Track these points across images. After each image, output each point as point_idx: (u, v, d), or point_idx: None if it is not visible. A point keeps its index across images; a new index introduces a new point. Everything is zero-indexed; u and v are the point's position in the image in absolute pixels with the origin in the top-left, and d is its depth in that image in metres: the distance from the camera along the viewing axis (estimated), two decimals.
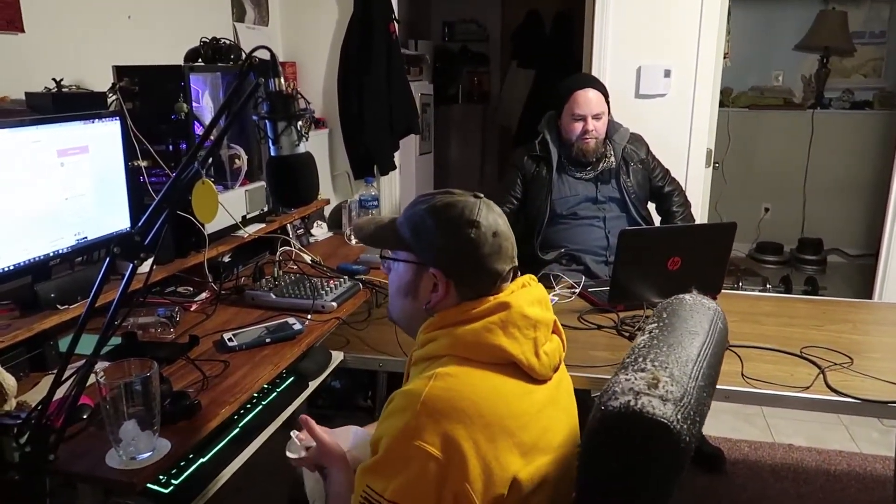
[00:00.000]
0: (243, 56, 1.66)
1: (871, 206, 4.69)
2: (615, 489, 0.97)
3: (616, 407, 0.94)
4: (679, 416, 0.92)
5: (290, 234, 2.46)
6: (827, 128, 4.90)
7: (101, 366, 1.21)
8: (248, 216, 2.20)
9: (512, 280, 1.12)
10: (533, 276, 1.15)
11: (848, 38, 4.79)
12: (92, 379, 1.17)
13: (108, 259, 1.14)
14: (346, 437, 1.23)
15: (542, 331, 1.08)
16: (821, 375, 1.68)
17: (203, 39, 2.08)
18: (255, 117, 1.20)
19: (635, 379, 0.99)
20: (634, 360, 1.07)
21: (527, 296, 1.09)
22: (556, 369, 1.12)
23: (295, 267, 2.17)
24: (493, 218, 1.09)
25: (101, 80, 1.94)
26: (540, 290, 1.13)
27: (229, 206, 2.07)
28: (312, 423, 1.22)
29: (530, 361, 1.04)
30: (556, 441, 1.06)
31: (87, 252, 1.69)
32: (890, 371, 1.70)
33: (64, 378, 1.14)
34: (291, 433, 1.24)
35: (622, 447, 0.95)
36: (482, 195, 1.13)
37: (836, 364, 1.74)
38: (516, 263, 1.12)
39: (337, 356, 1.82)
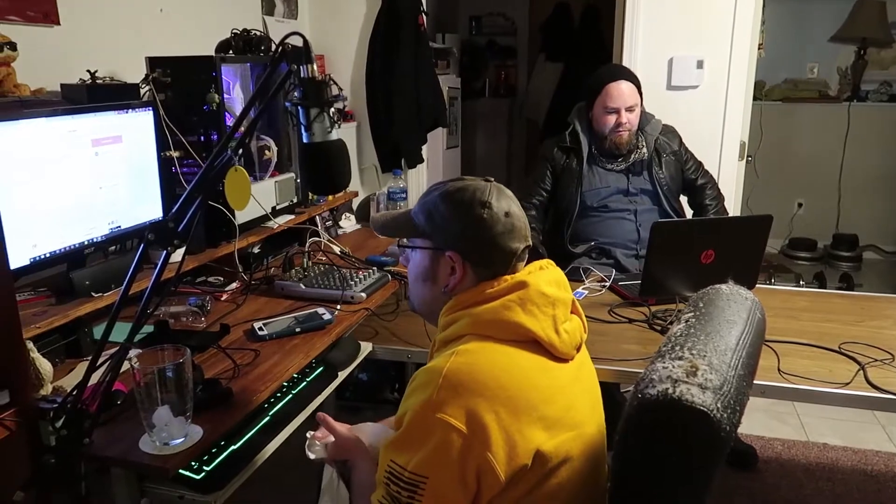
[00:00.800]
0: (273, 47, 1.66)
1: None
2: (653, 478, 0.95)
3: (654, 395, 0.92)
4: (719, 405, 0.89)
5: (319, 225, 2.47)
6: (863, 121, 4.78)
7: (134, 353, 1.21)
8: (277, 207, 2.20)
9: (527, 261, 1.13)
10: (550, 261, 1.16)
11: (887, 28, 4.67)
12: (126, 366, 1.19)
13: (142, 245, 1.14)
14: (365, 432, 1.24)
15: (560, 309, 1.08)
16: (861, 372, 1.64)
17: (234, 31, 2.09)
18: (287, 104, 1.20)
19: (673, 367, 0.97)
20: (671, 348, 1.05)
21: (545, 276, 1.10)
22: (577, 348, 1.12)
23: (324, 258, 2.17)
24: (504, 199, 1.10)
25: (134, 72, 1.95)
26: (557, 272, 1.15)
27: (259, 197, 2.08)
28: (329, 419, 1.24)
29: (550, 338, 1.05)
30: (579, 418, 1.06)
31: (120, 241, 1.71)
32: None
33: (98, 364, 1.16)
34: (308, 434, 1.26)
35: (660, 435, 0.93)
36: (493, 179, 1.14)
37: (876, 360, 1.69)
38: (530, 243, 1.13)
39: (366, 347, 1.82)
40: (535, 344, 1.05)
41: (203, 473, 1.21)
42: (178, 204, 1.15)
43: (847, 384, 1.59)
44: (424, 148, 3.28)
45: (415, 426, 0.97)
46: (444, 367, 0.98)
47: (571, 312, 1.13)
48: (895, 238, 4.81)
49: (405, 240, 1.18)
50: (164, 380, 1.18)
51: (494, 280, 1.08)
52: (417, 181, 3.34)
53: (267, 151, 2.15)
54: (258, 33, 2.08)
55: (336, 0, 3.16)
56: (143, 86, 1.90)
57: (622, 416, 1.00)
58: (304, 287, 1.88)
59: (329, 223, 2.61)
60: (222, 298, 1.90)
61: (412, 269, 1.18)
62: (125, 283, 1.14)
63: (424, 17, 3.09)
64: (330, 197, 2.51)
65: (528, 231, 1.12)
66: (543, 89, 5.66)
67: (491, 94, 6.02)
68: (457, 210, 1.10)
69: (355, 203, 3.02)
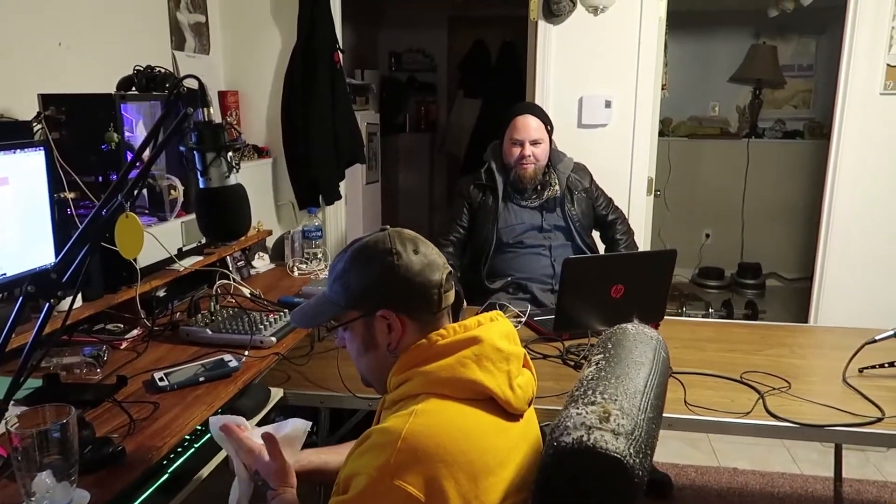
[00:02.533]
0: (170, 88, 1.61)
1: (805, 231, 4.86)
2: None
3: (569, 443, 0.92)
4: (631, 450, 0.91)
5: (230, 266, 2.39)
6: (761, 156, 5.09)
7: (14, 412, 1.12)
8: (184, 249, 2.12)
9: (451, 286, 1.11)
10: (500, 312, 1.15)
11: (778, 70, 5.02)
12: (3, 427, 1.09)
13: (20, 299, 1.07)
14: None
15: (514, 364, 1.07)
16: (760, 401, 1.71)
17: (137, 67, 2.02)
18: (182, 148, 1.16)
19: (586, 413, 0.98)
20: (584, 392, 1.06)
21: (497, 330, 1.08)
22: (529, 403, 1.10)
23: (233, 301, 2.10)
24: (407, 240, 1.10)
25: (27, 110, 1.86)
26: (507, 324, 1.13)
27: (164, 239, 2.00)
28: (277, 445, 1.18)
29: (506, 395, 1.03)
30: (530, 478, 1.04)
31: (6, 290, 1.60)
32: (826, 394, 1.74)
33: None
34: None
35: (576, 482, 0.94)
36: (388, 227, 1.13)
37: (774, 389, 1.77)
38: (449, 269, 1.12)
39: (276, 393, 1.76)
40: (489, 402, 1.03)
41: None
42: (63, 253, 1.09)
43: (748, 413, 1.65)
44: (343, 184, 3.25)
45: (370, 491, 0.93)
46: (403, 429, 0.94)
47: (523, 366, 1.11)
48: (794, 265, 5.10)
49: (333, 322, 1.14)
50: (48, 441, 1.09)
51: (441, 328, 1.06)
52: (336, 218, 3.30)
53: (172, 191, 2.07)
54: (162, 70, 2.02)
55: (250, 35, 3.12)
56: (36, 124, 1.80)
57: (539, 463, 1.00)
58: (210, 332, 1.81)
59: (241, 263, 2.54)
60: (122, 347, 1.80)
61: (351, 345, 1.14)
62: (1, 340, 1.06)
63: (340, 53, 3.09)
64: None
65: (442, 258, 1.12)
66: (463, 124, 5.76)
67: (412, 129, 6.07)
68: (368, 269, 1.08)
69: (270, 241, 2.95)
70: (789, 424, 1.61)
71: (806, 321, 3.21)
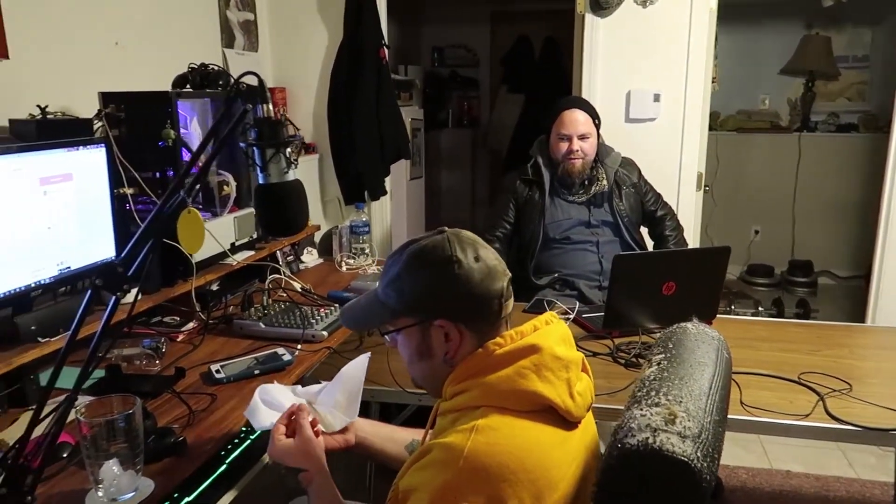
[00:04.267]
0: (231, 81, 1.64)
1: (859, 228, 4.71)
2: None
3: (633, 444, 0.89)
4: (699, 454, 0.88)
5: (280, 261, 2.42)
6: (814, 150, 4.94)
7: (83, 401, 1.16)
8: (236, 244, 2.16)
9: (510, 294, 1.08)
10: (555, 314, 1.11)
11: (832, 62, 4.86)
12: (73, 416, 1.13)
13: (88, 292, 1.10)
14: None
15: (573, 370, 1.04)
16: (820, 402, 1.65)
17: (191, 65, 2.06)
18: (242, 144, 1.18)
19: (651, 414, 0.95)
20: (647, 393, 1.03)
21: (554, 334, 1.05)
22: (588, 409, 1.08)
23: (284, 295, 2.13)
24: (467, 245, 1.05)
25: (88, 107, 1.91)
26: (563, 327, 1.09)
27: (217, 234, 2.04)
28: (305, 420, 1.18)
29: (567, 404, 1.00)
30: (590, 486, 1.00)
31: (70, 283, 1.65)
32: (889, 397, 1.67)
33: (43, 415, 1.10)
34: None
35: (641, 486, 0.91)
36: (446, 228, 1.09)
37: (835, 390, 1.71)
38: (509, 275, 1.08)
39: None
40: (550, 412, 1.00)
41: None
42: (129, 247, 1.11)
43: (807, 415, 1.60)
44: (388, 180, 3.27)
45: None
46: (465, 448, 0.92)
47: (581, 371, 1.08)
48: (848, 263, 4.94)
49: (388, 326, 1.11)
50: (113, 431, 1.13)
51: (498, 336, 1.03)
52: (381, 214, 3.32)
53: (225, 187, 2.11)
54: (216, 68, 2.06)
55: (297, 33, 3.16)
56: (97, 121, 1.85)
57: (601, 465, 0.98)
58: (263, 326, 1.84)
59: (290, 258, 2.57)
60: (178, 339, 1.84)
61: (404, 350, 1.10)
62: (71, 330, 1.09)
63: (386, 49, 3.11)
64: None
65: (503, 265, 1.07)
66: (505, 121, 5.73)
67: (454, 125, 6.07)
68: (426, 276, 1.04)
69: (317, 237, 2.98)
70: (852, 428, 1.55)
71: (861, 321, 3.11)
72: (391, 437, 1.33)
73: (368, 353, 1.32)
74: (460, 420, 0.99)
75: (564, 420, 1.02)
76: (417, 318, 1.06)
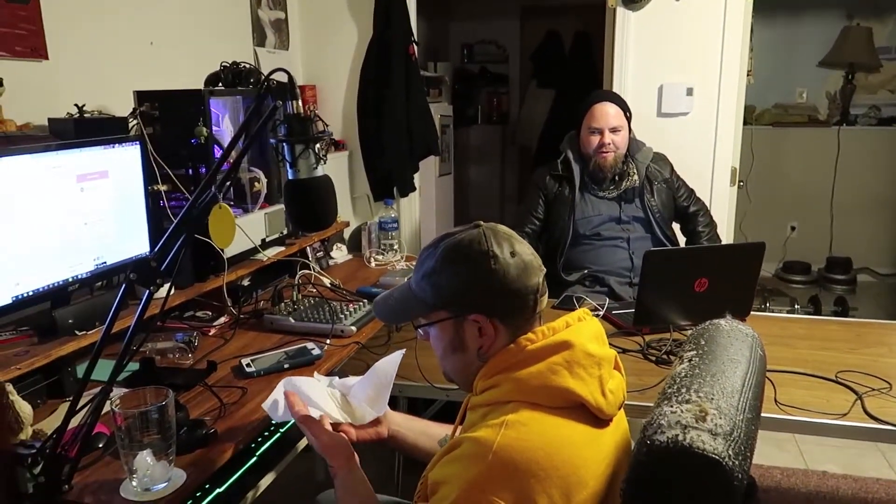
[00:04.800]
0: (262, 79, 1.66)
1: None
2: None
3: (663, 441, 0.88)
4: (731, 452, 0.86)
5: (310, 256, 2.45)
6: (853, 145, 4.82)
7: (117, 393, 1.19)
8: (267, 239, 2.18)
9: (545, 289, 1.07)
10: (587, 311, 1.10)
11: (874, 53, 4.73)
12: (108, 407, 1.16)
13: (123, 286, 1.12)
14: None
15: (605, 368, 1.03)
16: (858, 402, 1.61)
17: (223, 64, 2.09)
18: (272, 140, 1.19)
19: (681, 411, 0.93)
20: (677, 389, 1.02)
21: (586, 331, 1.04)
22: (620, 406, 1.07)
23: (314, 290, 2.15)
24: (503, 240, 1.04)
25: (123, 106, 1.95)
26: (596, 324, 1.08)
27: (248, 230, 2.06)
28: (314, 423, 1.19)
29: (598, 402, 1.00)
30: (621, 484, 1.00)
31: (106, 277, 1.69)
32: None
33: (79, 406, 1.13)
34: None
35: (670, 484, 0.89)
36: (482, 222, 1.08)
37: (874, 389, 1.67)
38: (544, 270, 1.07)
39: None
40: (581, 409, 0.99)
41: None
42: (162, 242, 1.13)
43: (844, 415, 1.57)
44: (417, 176, 3.28)
45: (461, 503, 0.91)
46: (495, 442, 0.92)
47: (614, 368, 1.07)
48: (888, 260, 4.81)
49: (421, 320, 1.11)
50: (147, 422, 1.15)
51: (531, 332, 1.02)
52: (410, 210, 3.33)
53: (256, 183, 2.14)
54: (248, 66, 2.08)
55: (327, 30, 3.18)
56: (132, 120, 1.89)
57: (630, 462, 0.97)
58: (293, 321, 1.86)
59: (320, 254, 2.59)
60: (210, 333, 1.87)
61: (437, 344, 1.10)
62: (106, 324, 1.12)
63: (415, 46, 3.11)
64: None
65: (538, 260, 1.07)
66: (535, 116, 5.69)
67: (483, 122, 6.05)
68: (462, 270, 1.03)
69: (347, 233, 3.00)
70: (891, 428, 1.51)
71: None
72: (424, 432, 1.34)
73: (403, 350, 1.32)
74: (491, 415, 0.99)
75: (596, 417, 1.01)
76: (452, 312, 1.06)
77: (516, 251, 1.04)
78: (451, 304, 1.05)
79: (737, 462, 0.86)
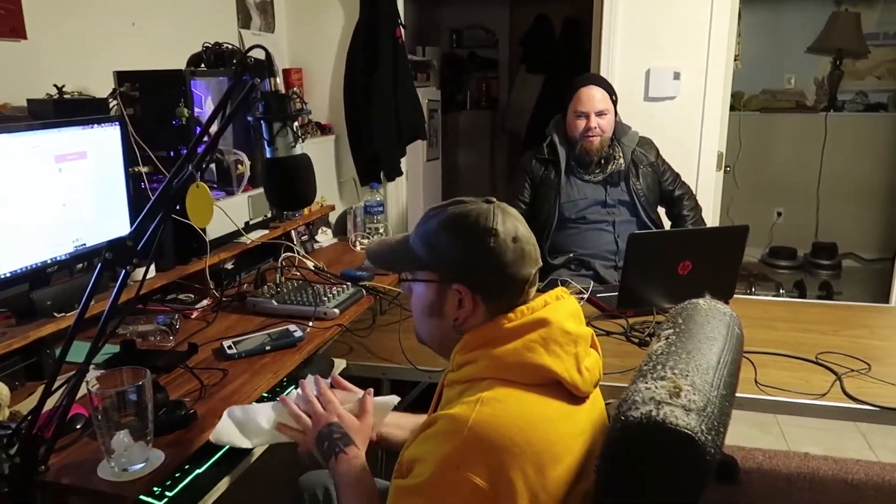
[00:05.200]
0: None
1: (887, 209, 4.61)
2: (636, 502, 0.93)
3: (637, 417, 0.89)
4: (703, 427, 0.87)
5: (295, 240, 2.43)
6: (840, 131, 4.83)
7: (93, 375, 1.18)
8: (251, 222, 2.17)
9: (536, 281, 1.07)
10: (565, 289, 1.10)
11: (861, 39, 4.73)
12: (84, 389, 1.15)
13: (99, 266, 1.11)
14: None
15: (581, 346, 1.03)
16: (837, 382, 1.63)
17: (205, 45, 2.06)
18: (250, 118, 1.18)
19: (656, 387, 0.94)
20: (653, 367, 1.02)
21: (563, 309, 1.04)
22: (596, 384, 1.07)
23: (298, 273, 2.14)
24: (510, 222, 1.03)
25: (104, 87, 1.93)
26: (574, 303, 1.09)
27: (232, 212, 2.05)
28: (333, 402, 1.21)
29: (574, 379, 1.00)
30: (595, 461, 1.01)
31: (86, 259, 1.67)
32: None
33: (55, 388, 1.12)
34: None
35: (644, 459, 0.90)
36: (494, 199, 1.07)
37: (853, 370, 1.68)
38: (541, 264, 1.07)
39: (340, 364, 1.79)
40: (556, 386, 0.99)
41: (165, 499, 1.17)
42: (138, 221, 1.12)
43: (824, 395, 1.58)
44: (404, 160, 3.27)
45: (436, 479, 0.92)
46: (470, 418, 0.92)
47: (590, 347, 1.08)
48: (874, 246, 4.84)
49: (407, 273, 1.12)
50: (124, 403, 1.14)
51: (510, 312, 1.02)
52: (397, 194, 3.32)
53: (240, 166, 2.12)
54: (230, 47, 2.06)
55: (314, 13, 3.15)
56: (112, 100, 1.87)
57: (604, 438, 0.98)
58: (276, 304, 1.85)
59: (305, 238, 2.58)
60: (192, 316, 1.86)
61: (416, 302, 1.11)
62: (81, 305, 1.11)
63: (402, 29, 3.09)
64: (306, 211, 2.48)
65: (537, 252, 1.06)
66: (524, 101, 5.67)
67: (472, 106, 6.03)
68: (461, 240, 1.03)
69: (332, 217, 2.99)
70: (869, 408, 1.53)
71: (886, 303, 3.05)
72: (415, 428, 1.34)
73: (397, 399, 1.32)
74: (467, 392, 0.99)
75: (571, 395, 1.01)
76: (439, 276, 1.06)
77: (519, 237, 1.03)
78: (440, 268, 1.06)
79: (709, 437, 0.87)
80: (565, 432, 0.98)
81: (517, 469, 0.90)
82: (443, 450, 0.92)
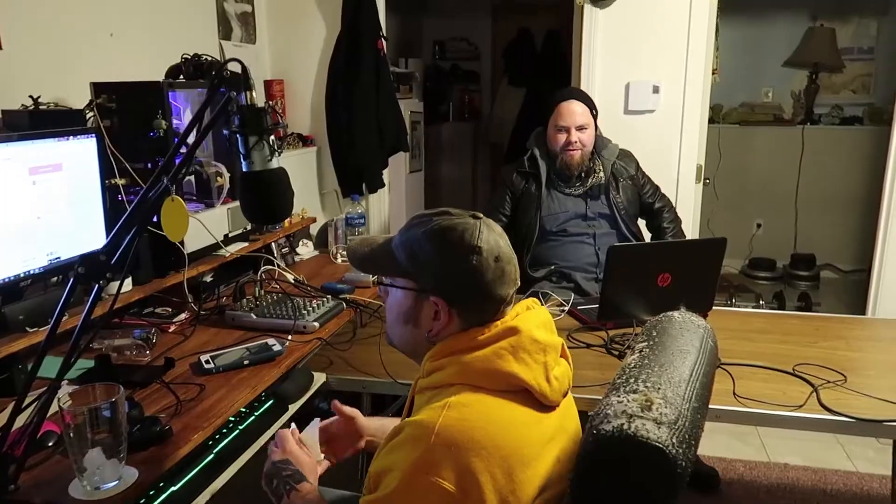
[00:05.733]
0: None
1: (863, 221, 4.67)
2: None
3: (609, 431, 0.90)
4: (674, 440, 0.88)
5: (275, 252, 2.42)
6: (817, 143, 4.90)
7: (65, 391, 1.16)
8: (230, 235, 2.15)
9: (514, 302, 1.07)
10: (536, 300, 1.11)
11: (836, 54, 4.82)
12: (59, 404, 1.13)
13: (71, 280, 1.09)
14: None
15: (551, 355, 1.03)
16: (814, 394, 1.64)
17: (184, 56, 2.05)
18: (225, 132, 1.17)
19: (628, 401, 0.95)
20: (626, 380, 1.03)
21: (534, 319, 1.05)
22: (564, 394, 1.07)
23: (278, 286, 2.12)
24: (494, 240, 1.03)
25: (81, 98, 1.91)
26: (545, 313, 1.09)
27: (210, 225, 2.03)
28: (288, 440, 1.20)
29: (542, 387, 1.00)
30: (566, 469, 1.01)
31: (60, 273, 1.64)
32: (884, 388, 1.66)
33: (26, 404, 1.10)
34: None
35: (616, 472, 0.91)
36: (482, 215, 1.07)
37: (829, 382, 1.70)
38: (518, 285, 1.07)
39: (319, 378, 1.77)
40: (525, 393, 1.00)
41: None
42: (111, 235, 1.11)
43: (801, 406, 1.60)
44: (386, 172, 3.26)
45: (404, 487, 0.92)
46: (437, 423, 0.92)
47: (560, 356, 1.08)
48: (851, 256, 4.91)
49: (385, 278, 1.12)
50: (97, 420, 1.12)
51: (484, 327, 1.02)
52: (379, 206, 3.31)
53: (219, 178, 2.10)
54: (209, 58, 2.05)
55: (295, 24, 3.15)
56: (88, 112, 1.85)
57: (578, 451, 0.98)
58: (255, 317, 1.84)
59: (285, 250, 2.57)
60: (170, 330, 1.84)
61: (391, 307, 1.11)
62: (53, 319, 1.09)
63: (384, 41, 3.09)
64: (286, 223, 2.47)
65: (517, 273, 1.06)
66: (506, 113, 5.71)
67: (455, 118, 6.05)
68: (443, 253, 1.02)
69: (314, 229, 2.97)
70: (844, 419, 1.54)
71: (863, 314, 3.09)
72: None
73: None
74: (434, 399, 1.00)
75: (540, 403, 1.02)
76: (418, 285, 1.06)
77: (501, 257, 1.03)
78: (420, 277, 1.05)
79: (680, 450, 0.87)
80: (533, 438, 0.98)
81: (485, 472, 0.90)
82: (411, 457, 0.92)
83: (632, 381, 1.02)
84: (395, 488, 0.92)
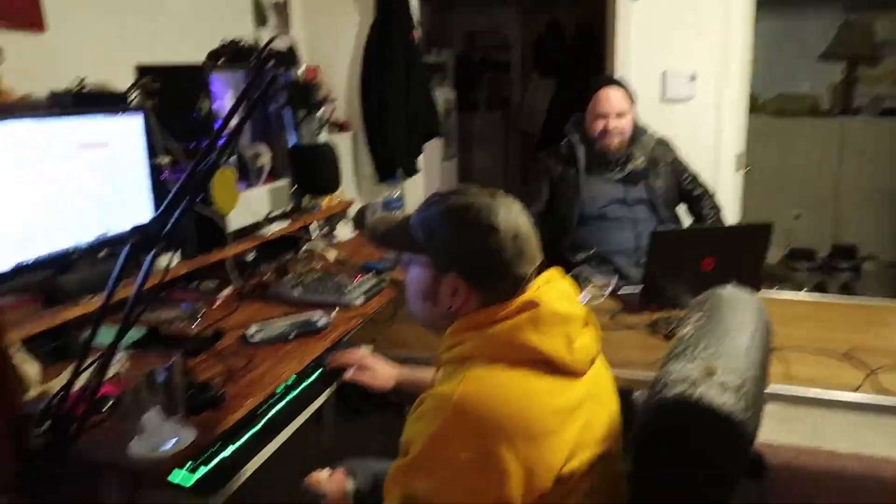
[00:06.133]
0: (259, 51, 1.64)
1: None
2: (673, 486, 0.90)
3: (672, 396, 0.87)
4: (741, 405, 0.85)
5: (315, 232, 2.43)
6: (856, 135, 4.80)
7: (124, 355, 1.17)
8: (271, 214, 2.16)
9: (533, 278, 1.06)
10: (556, 270, 1.10)
11: (873, 47, 4.73)
12: (115, 369, 1.14)
13: (127, 248, 1.10)
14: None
15: (573, 325, 1.02)
16: (870, 377, 1.59)
17: (223, 41, 2.07)
18: (271, 108, 1.17)
19: (689, 368, 0.92)
20: (683, 350, 1.01)
21: (553, 291, 1.04)
22: (592, 362, 1.06)
23: (319, 265, 2.13)
24: (512, 218, 1.02)
25: (124, 81, 1.93)
26: (565, 284, 1.08)
27: (252, 205, 2.05)
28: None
29: (563, 357, 0.99)
30: (597, 435, 1.00)
31: (108, 246, 1.67)
32: None
33: (84, 367, 1.11)
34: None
35: (680, 439, 0.89)
36: (500, 192, 1.06)
37: (885, 365, 1.65)
38: (538, 262, 1.06)
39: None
40: (546, 364, 0.99)
41: (196, 477, 1.16)
42: (162, 208, 1.11)
43: (857, 388, 1.55)
44: (421, 158, 3.26)
45: (425, 458, 0.93)
46: (454, 396, 0.92)
47: (586, 325, 1.06)
48: (892, 249, 4.80)
49: (404, 255, 1.12)
50: (154, 382, 1.14)
51: (504, 302, 1.02)
52: (414, 191, 3.31)
53: (260, 158, 2.11)
54: (247, 43, 2.06)
55: (329, 12, 3.16)
56: (132, 93, 1.87)
57: (635, 421, 0.96)
58: (298, 293, 1.84)
59: (325, 231, 2.58)
60: (216, 305, 1.86)
61: (411, 282, 1.11)
62: (108, 288, 1.10)
63: (416, 31, 3.09)
64: (324, 205, 2.47)
65: (537, 249, 1.05)
66: (537, 105, 5.68)
67: (486, 108, 6.05)
68: (460, 233, 1.02)
69: (351, 212, 2.98)
70: None
71: None
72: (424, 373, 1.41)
73: None
74: (455, 372, 1.00)
75: (563, 372, 1.00)
76: (436, 263, 1.05)
77: (519, 235, 1.02)
78: (436, 255, 1.05)
79: (747, 416, 0.85)
80: (557, 406, 0.97)
81: (505, 442, 0.90)
82: (430, 428, 0.93)
83: (690, 349, 1.00)
84: (416, 457, 0.94)
